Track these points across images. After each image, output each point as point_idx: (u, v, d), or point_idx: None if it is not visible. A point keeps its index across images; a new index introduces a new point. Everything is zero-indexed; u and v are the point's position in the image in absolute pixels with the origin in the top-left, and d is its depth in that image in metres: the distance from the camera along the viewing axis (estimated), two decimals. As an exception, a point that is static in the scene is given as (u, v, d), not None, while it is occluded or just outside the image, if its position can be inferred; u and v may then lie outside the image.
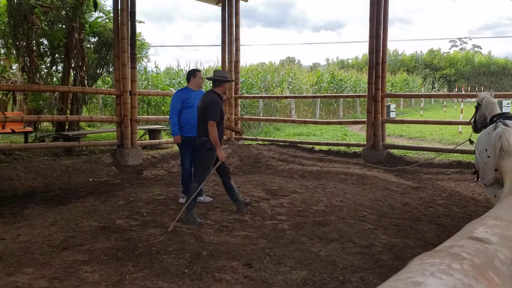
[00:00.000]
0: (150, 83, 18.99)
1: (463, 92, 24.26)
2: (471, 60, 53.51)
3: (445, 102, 32.09)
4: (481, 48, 66.24)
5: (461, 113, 16.86)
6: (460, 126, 14.45)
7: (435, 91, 44.03)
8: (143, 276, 3.58)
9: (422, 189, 7.33)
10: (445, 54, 56.84)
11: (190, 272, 3.66)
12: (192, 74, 6.26)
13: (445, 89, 47.20)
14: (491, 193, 4.38)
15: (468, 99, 35.07)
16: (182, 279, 3.53)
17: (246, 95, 17.39)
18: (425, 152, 10.08)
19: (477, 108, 5.51)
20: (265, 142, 11.78)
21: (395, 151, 10.00)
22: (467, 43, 69.16)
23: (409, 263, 0.96)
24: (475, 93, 6.82)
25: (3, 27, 12.20)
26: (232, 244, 4.37)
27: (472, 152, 5.92)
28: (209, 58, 68.84)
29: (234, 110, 11.91)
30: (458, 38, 71.06)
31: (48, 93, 10.94)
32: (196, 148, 5.58)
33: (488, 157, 4.20)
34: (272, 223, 5.10)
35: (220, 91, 5.37)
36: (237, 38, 11.74)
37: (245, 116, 15.19)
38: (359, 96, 21.96)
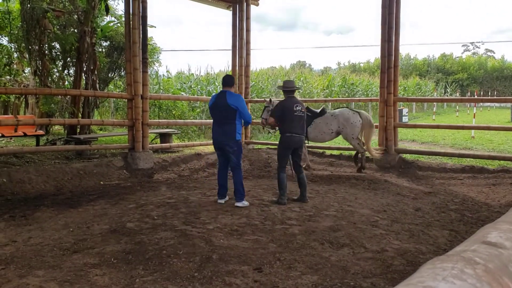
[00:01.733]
0: (162, 87, 19.09)
1: (475, 97, 24.06)
2: (484, 65, 53.11)
3: (457, 106, 31.81)
4: (494, 53, 65.99)
5: (474, 117, 16.70)
6: (472, 130, 14.32)
7: (447, 96, 43.76)
8: (153, 279, 3.58)
9: (434, 194, 7.27)
10: (458, 58, 56.54)
11: (200, 276, 3.65)
12: (234, 80, 6.50)
13: (458, 94, 46.93)
14: (356, 143, 8.85)
15: (481, 103, 34.91)
16: (192, 283, 3.52)
17: (256, 99, 17.38)
18: (437, 156, 9.99)
19: (267, 107, 8.67)
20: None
21: (407, 156, 9.93)
22: (479, 48, 68.93)
23: (420, 267, 0.94)
24: (488, 97, 7.37)
25: (16, 31, 12.35)
26: (242, 248, 4.35)
27: (486, 157, 9.31)
28: (220, 62, 68.96)
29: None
30: (470, 43, 70.87)
31: (59, 96, 11.01)
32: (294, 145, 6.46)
33: (360, 124, 8.76)
34: (283, 228, 5.07)
35: None
36: (248, 42, 11.77)
37: (254, 121, 15.14)
38: (371, 100, 21.61)
